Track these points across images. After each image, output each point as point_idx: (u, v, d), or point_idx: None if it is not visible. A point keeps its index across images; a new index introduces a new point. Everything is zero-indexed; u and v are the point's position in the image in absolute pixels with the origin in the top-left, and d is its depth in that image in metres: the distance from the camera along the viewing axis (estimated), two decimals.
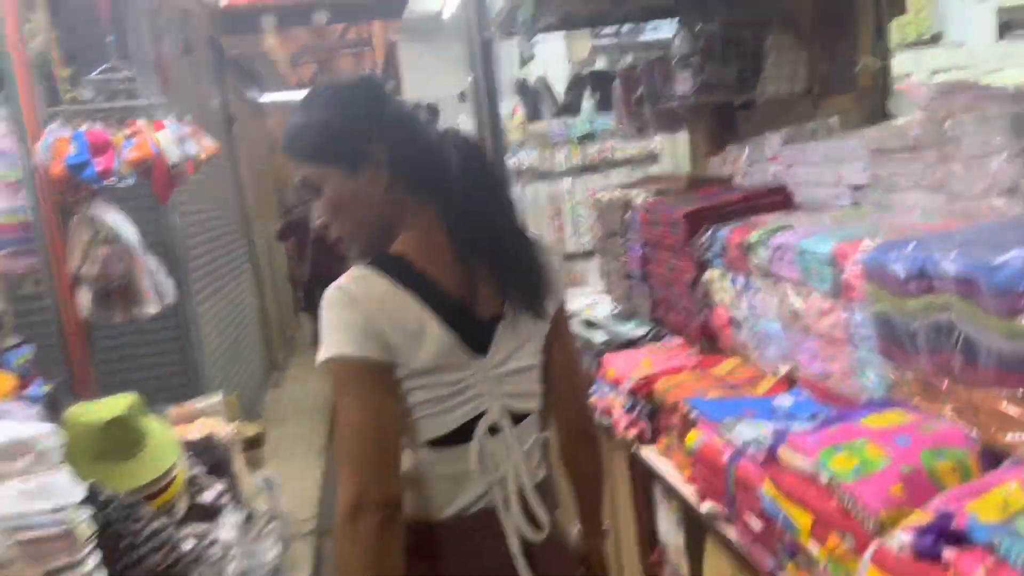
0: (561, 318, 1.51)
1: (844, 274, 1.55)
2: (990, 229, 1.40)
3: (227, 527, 2.26)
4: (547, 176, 5.87)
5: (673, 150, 5.67)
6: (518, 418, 1.41)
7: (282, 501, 3.12)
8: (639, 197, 2.75)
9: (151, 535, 1.84)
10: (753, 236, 1.88)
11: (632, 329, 2.65)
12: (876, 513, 1.16)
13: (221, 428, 2.71)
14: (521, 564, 1.37)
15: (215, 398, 3.04)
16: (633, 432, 2.17)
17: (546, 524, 1.41)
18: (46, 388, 2.56)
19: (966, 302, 1.23)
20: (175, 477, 2.11)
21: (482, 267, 1.36)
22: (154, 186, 3.15)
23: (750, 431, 1.54)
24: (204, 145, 3.54)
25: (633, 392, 2.17)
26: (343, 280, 1.29)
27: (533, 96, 3.74)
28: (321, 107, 1.36)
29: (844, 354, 1.63)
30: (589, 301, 3.15)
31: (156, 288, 3.30)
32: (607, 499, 2.50)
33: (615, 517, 2.44)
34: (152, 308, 3.26)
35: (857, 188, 1.94)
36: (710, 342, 2.25)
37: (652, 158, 5.83)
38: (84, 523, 1.66)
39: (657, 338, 2.53)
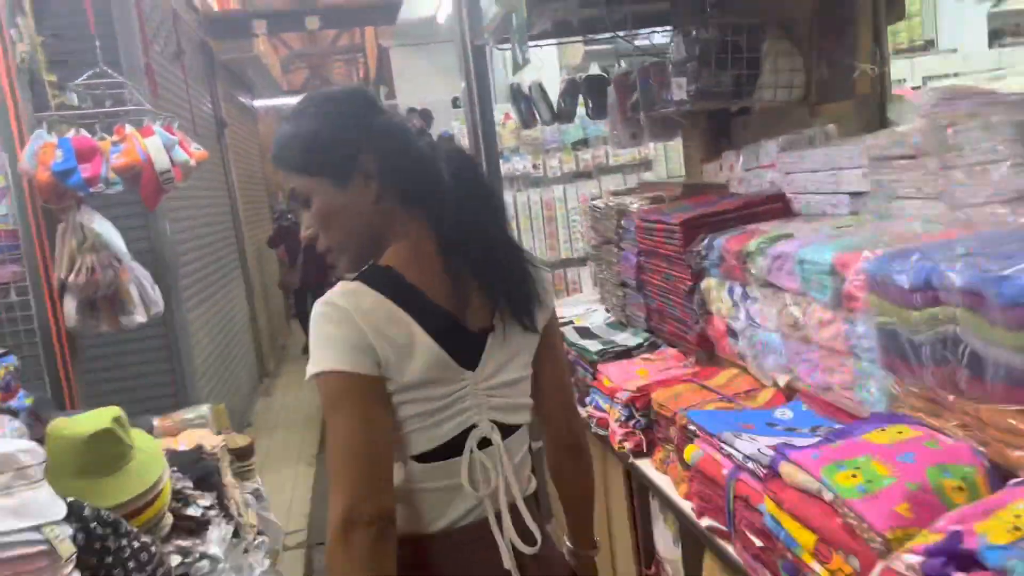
0: (551, 331, 1.50)
1: (845, 284, 1.52)
2: (994, 238, 1.37)
3: (214, 542, 2.22)
4: (540, 182, 5.85)
5: (666, 156, 5.67)
6: (508, 431, 1.41)
7: (272, 513, 3.08)
8: (634, 204, 2.72)
9: (136, 551, 1.80)
10: (751, 245, 1.85)
11: (627, 338, 2.62)
12: (882, 533, 1.12)
13: (209, 439, 2.66)
14: None
15: (203, 408, 3.00)
16: (629, 444, 2.13)
17: (538, 537, 1.41)
18: (29, 400, 2.51)
19: (973, 314, 1.20)
20: (161, 491, 2.07)
21: (472, 279, 1.35)
22: (142, 193, 3.12)
23: (750, 445, 1.50)
24: (193, 151, 3.50)
25: (629, 403, 2.14)
26: (332, 294, 1.29)
27: (527, 102, 3.70)
28: (310, 118, 1.36)
29: (845, 366, 1.60)
30: (583, 309, 3.12)
31: (143, 297, 3.25)
32: (603, 512, 2.48)
33: (611, 530, 2.41)
34: (139, 317, 3.22)
35: (856, 196, 1.92)
36: (707, 352, 2.22)
37: (646, 164, 5.82)
38: (66, 541, 1.62)
39: (653, 348, 2.50)
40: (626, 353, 2.51)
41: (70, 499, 1.73)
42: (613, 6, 2.78)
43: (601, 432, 2.29)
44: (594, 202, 3.13)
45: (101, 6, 3.66)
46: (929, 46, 5.61)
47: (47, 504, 1.66)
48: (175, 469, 2.30)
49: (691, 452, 1.72)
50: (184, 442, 2.61)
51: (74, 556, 1.63)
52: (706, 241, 2.07)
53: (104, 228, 3.18)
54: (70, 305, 3.11)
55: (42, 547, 1.58)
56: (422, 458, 1.34)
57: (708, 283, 2.10)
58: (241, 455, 2.88)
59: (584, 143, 5.91)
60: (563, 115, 3.66)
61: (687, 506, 1.79)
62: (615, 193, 3.34)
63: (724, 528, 1.61)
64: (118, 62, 3.90)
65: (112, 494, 1.94)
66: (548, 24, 2.98)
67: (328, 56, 15.66)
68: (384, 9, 7.78)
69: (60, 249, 3.12)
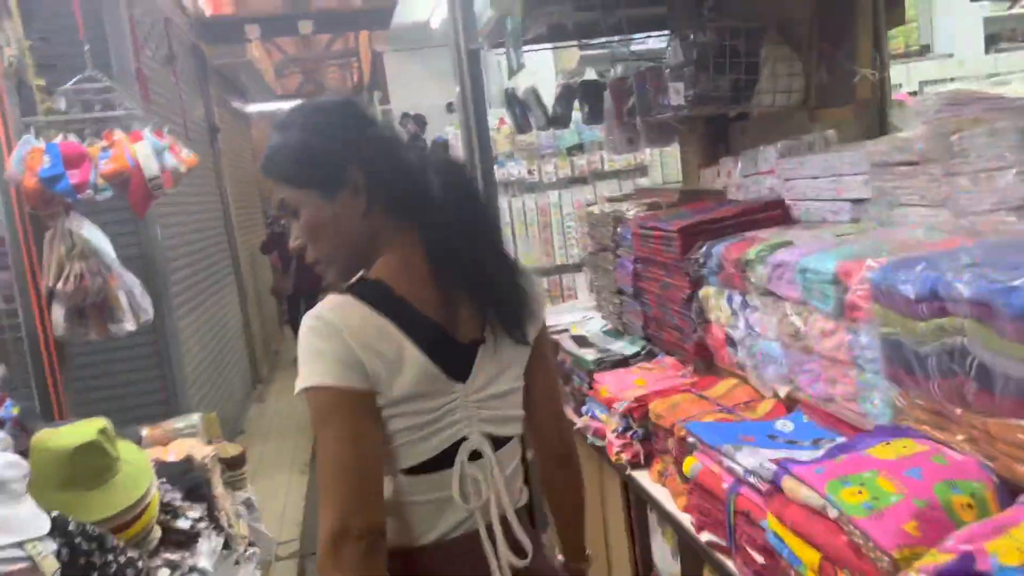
0: (542, 341, 1.49)
1: (848, 294, 1.48)
2: (1000, 247, 1.34)
3: (204, 554, 2.18)
4: (535, 188, 5.82)
5: (662, 162, 5.64)
6: (499, 443, 1.40)
7: (264, 523, 3.03)
8: (631, 211, 2.69)
9: (122, 567, 1.76)
10: (751, 253, 1.82)
11: (624, 347, 2.59)
12: (889, 552, 1.09)
13: (199, 449, 2.62)
14: None
15: (194, 418, 2.95)
16: (627, 456, 2.10)
17: (529, 549, 1.40)
18: (16, 409, 2.46)
19: (981, 325, 1.17)
20: (148, 505, 2.03)
21: (463, 291, 1.34)
22: (130, 199, 3.07)
23: (751, 459, 1.47)
24: (184, 157, 3.45)
25: (627, 414, 2.11)
26: (320, 308, 1.27)
27: (521, 106, 3.66)
28: (299, 129, 1.35)
29: (848, 377, 1.56)
30: (580, 316, 3.09)
31: (133, 305, 3.20)
32: (600, 524, 2.44)
33: (608, 542, 2.37)
34: (129, 325, 3.18)
35: (857, 203, 1.88)
36: (705, 361, 2.19)
37: (641, 170, 5.79)
38: (49, 557, 1.59)
39: (650, 357, 2.46)
40: (623, 362, 2.48)
41: (54, 513, 1.70)
42: (609, 10, 2.76)
43: (598, 442, 2.25)
44: (590, 208, 3.09)
45: (91, 10, 3.62)
46: (925, 51, 5.59)
47: (29, 519, 1.62)
48: (164, 481, 2.26)
49: (690, 464, 1.68)
50: (174, 452, 2.56)
51: (58, 572, 1.60)
52: (704, 249, 2.04)
53: (93, 234, 3.14)
54: (58, 313, 3.06)
55: (24, 564, 1.55)
56: (412, 471, 1.33)
57: (706, 291, 2.06)
58: (232, 464, 2.84)
59: (580, 148, 5.88)
60: (558, 120, 3.63)
61: (686, 519, 1.76)
62: (611, 199, 3.31)
63: (724, 543, 1.57)
64: (109, 66, 3.86)
65: (98, 508, 1.91)
66: (543, 28, 2.95)
67: (322, 61, 15.65)
68: (378, 14, 7.77)
69: (48, 256, 3.08)
